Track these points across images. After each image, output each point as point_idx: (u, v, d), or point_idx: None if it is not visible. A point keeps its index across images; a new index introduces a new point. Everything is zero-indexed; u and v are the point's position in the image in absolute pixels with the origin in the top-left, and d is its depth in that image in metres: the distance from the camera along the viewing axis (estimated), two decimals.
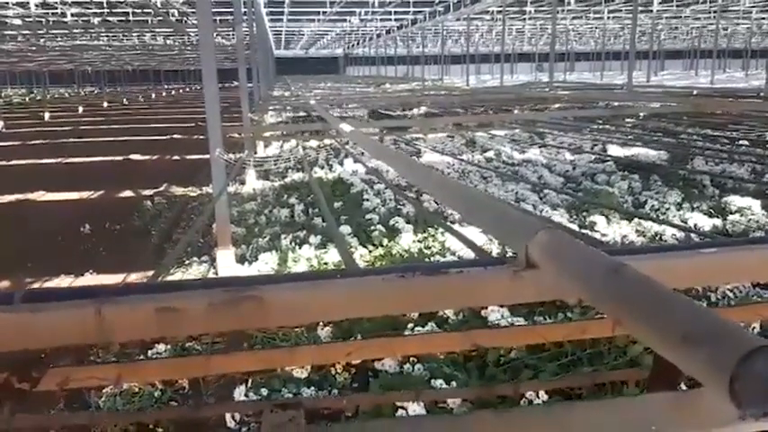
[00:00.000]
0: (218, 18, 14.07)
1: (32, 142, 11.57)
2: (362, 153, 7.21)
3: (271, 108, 10.23)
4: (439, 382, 2.40)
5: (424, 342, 1.12)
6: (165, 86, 32.33)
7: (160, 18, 13.40)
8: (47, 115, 16.29)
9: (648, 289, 0.47)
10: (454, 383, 2.36)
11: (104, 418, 1.54)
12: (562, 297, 0.67)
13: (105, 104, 21.30)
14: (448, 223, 4.07)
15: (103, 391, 2.46)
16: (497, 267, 0.68)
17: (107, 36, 17.91)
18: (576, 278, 0.54)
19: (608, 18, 27.60)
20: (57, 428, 1.59)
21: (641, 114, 9.12)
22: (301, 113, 11.15)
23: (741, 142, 7.54)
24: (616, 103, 8.63)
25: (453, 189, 0.97)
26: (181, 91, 32.15)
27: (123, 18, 14.95)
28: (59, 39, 16.30)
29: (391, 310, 0.65)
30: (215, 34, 9.32)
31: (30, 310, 0.61)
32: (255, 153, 7.50)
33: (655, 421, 0.55)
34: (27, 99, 26.83)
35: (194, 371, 1.15)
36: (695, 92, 11.16)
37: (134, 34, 18.08)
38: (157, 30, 16.46)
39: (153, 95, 27.26)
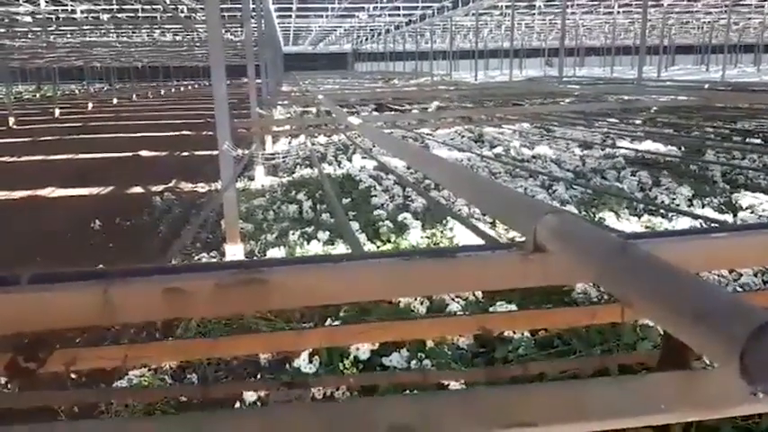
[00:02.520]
0: (226, 14, 14.10)
1: (43, 138, 11.65)
2: (371, 149, 7.21)
3: (279, 104, 10.25)
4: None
5: (432, 326, 1.12)
6: (175, 83, 32.44)
7: (169, 15, 13.44)
8: (57, 111, 16.39)
9: (658, 268, 0.46)
10: (463, 380, 2.36)
11: (112, 396, 1.54)
12: (571, 281, 0.66)
13: (115, 101, 21.42)
14: (457, 221, 4.06)
15: (113, 385, 2.48)
16: (505, 251, 0.67)
17: (116, 33, 17.98)
18: (585, 259, 0.54)
19: (618, 12, 27.42)
20: (64, 406, 1.59)
21: (653, 109, 9.06)
22: (309, 109, 11.16)
23: (754, 136, 7.48)
24: (626, 97, 8.57)
25: (460, 175, 0.96)
26: (190, 87, 32.26)
27: (132, 15, 15.01)
28: (69, 35, 16.38)
29: (397, 294, 0.64)
30: (223, 30, 9.32)
31: (36, 290, 0.61)
32: (264, 149, 7.52)
33: (665, 400, 0.55)
34: (37, 96, 27.02)
35: (202, 352, 1.15)
36: (706, 86, 11.07)
37: (143, 31, 18.15)
38: (166, 26, 16.51)
39: (162, 92, 27.37)
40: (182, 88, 31.14)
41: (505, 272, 0.66)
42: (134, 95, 24.09)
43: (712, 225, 3.86)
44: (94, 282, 0.61)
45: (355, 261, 0.67)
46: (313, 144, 8.06)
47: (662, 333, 0.66)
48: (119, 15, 14.94)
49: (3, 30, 13.72)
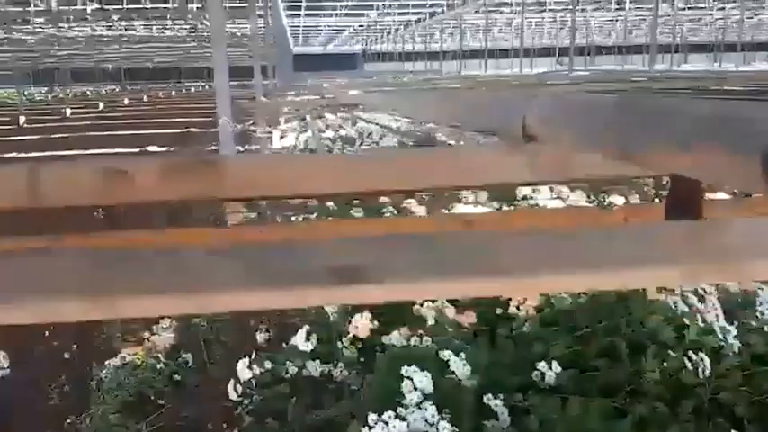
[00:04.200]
0: (228, 4, 14.11)
1: (53, 136, 11.68)
2: (380, 139, 7.12)
3: (289, 96, 10.22)
4: (447, 353, 2.33)
5: (414, 225, 1.05)
6: (186, 84, 32.61)
7: (175, 6, 13.48)
8: (68, 111, 16.46)
9: (657, 109, 0.39)
10: (463, 355, 2.29)
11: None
12: (566, 171, 0.59)
13: (126, 101, 21.49)
14: None
15: (106, 363, 2.43)
16: (493, 143, 0.60)
17: (126, 31, 18.08)
18: (579, 129, 0.46)
19: (629, 9, 27.26)
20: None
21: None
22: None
23: None
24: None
25: (450, 99, 0.89)
26: (200, 88, 32.38)
27: (141, 5, 15.11)
28: (80, 33, 16.48)
29: (371, 186, 0.57)
30: (230, 26, 9.26)
31: None
32: (270, 144, 7.45)
33: (672, 249, 0.47)
34: (49, 97, 27.19)
35: (145, 244, 1.07)
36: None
37: (154, 29, 18.27)
38: (177, 23, 16.60)
39: (173, 93, 27.47)
40: (192, 89, 31.26)
41: (493, 164, 0.58)
42: (145, 97, 24.17)
43: None
44: (23, 164, 0.54)
45: (321, 156, 0.60)
46: (321, 140, 7.98)
47: (668, 189, 0.58)
48: (132, 15, 15.01)
49: (15, 27, 13.84)
